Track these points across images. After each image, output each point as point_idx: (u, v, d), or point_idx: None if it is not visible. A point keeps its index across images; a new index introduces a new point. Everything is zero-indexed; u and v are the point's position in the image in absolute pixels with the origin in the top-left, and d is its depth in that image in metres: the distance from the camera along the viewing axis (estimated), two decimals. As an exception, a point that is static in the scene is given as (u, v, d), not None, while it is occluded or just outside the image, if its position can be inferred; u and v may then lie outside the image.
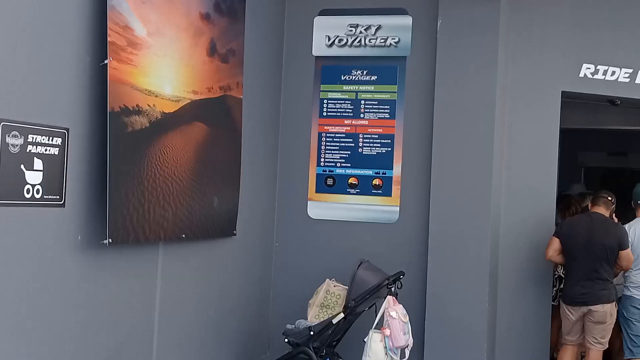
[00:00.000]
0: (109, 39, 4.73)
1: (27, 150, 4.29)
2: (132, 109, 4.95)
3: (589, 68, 7.07)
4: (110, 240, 4.75)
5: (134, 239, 5.02)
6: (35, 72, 4.36)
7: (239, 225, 6.42)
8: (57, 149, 4.50)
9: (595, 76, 7.09)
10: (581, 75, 7.07)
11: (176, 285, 5.74)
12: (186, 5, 5.65)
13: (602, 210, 6.73)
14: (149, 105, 5.14)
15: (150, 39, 5.19)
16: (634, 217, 7.03)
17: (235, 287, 6.62)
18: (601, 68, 7.09)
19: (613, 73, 7.12)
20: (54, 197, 4.50)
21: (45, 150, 4.41)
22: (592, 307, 6.54)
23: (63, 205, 4.57)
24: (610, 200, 6.79)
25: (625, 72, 7.14)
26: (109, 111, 4.74)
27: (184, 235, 5.61)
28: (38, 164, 4.37)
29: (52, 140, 4.46)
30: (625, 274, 6.86)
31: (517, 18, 6.96)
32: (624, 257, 6.59)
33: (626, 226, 6.90)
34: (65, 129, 4.56)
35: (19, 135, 4.21)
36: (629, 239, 6.72)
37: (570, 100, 7.25)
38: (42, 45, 4.40)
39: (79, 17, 4.68)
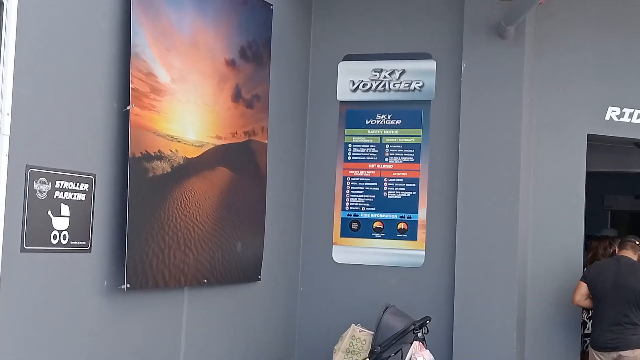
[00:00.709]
0: (131, 85, 4.79)
1: (55, 196, 4.32)
2: (153, 155, 4.99)
3: (615, 111, 7.04)
4: (127, 285, 4.76)
5: (153, 284, 5.03)
6: (63, 117, 4.42)
7: (264, 270, 6.41)
8: (84, 194, 4.54)
9: (621, 119, 7.06)
10: (607, 118, 7.05)
11: (201, 331, 5.73)
12: (211, 52, 5.71)
13: (630, 254, 6.66)
14: (171, 151, 5.18)
15: (174, 85, 5.24)
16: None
17: (261, 332, 6.58)
18: (627, 111, 7.06)
19: (639, 116, 7.08)
20: (81, 242, 4.53)
21: (72, 196, 4.45)
22: (623, 353, 6.43)
23: (89, 251, 4.59)
24: (638, 245, 6.73)
25: (651, 115, 7.11)
26: (129, 157, 4.78)
27: (205, 281, 5.61)
28: (65, 209, 4.40)
29: (79, 186, 4.49)
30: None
31: (541, 61, 6.95)
32: (653, 302, 6.50)
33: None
34: (92, 174, 4.60)
35: (46, 182, 4.26)
36: None
37: (596, 143, 7.20)
38: (69, 91, 4.46)
39: (108, 64, 4.75)
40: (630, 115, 7.07)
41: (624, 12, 7.16)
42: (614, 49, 7.12)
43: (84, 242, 4.55)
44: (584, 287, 6.60)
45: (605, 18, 7.12)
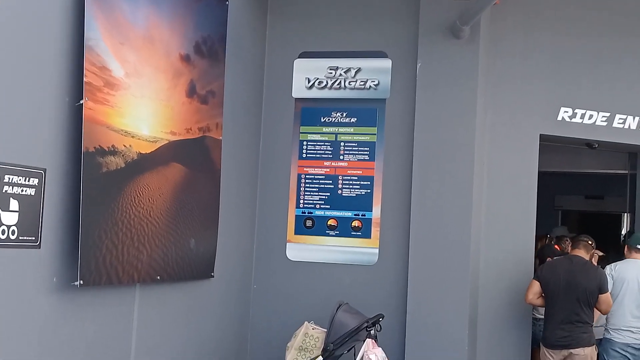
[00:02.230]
0: (85, 79, 4.72)
1: (3, 191, 4.23)
2: (107, 150, 4.92)
3: (567, 112, 7.14)
4: (81, 282, 4.69)
5: (106, 281, 4.96)
6: (12, 111, 4.33)
7: (217, 267, 6.37)
8: (34, 189, 4.45)
9: (573, 120, 7.17)
10: (559, 118, 7.15)
11: (153, 328, 5.67)
12: (166, 47, 5.66)
13: (582, 253, 6.75)
14: (125, 146, 5.11)
15: (128, 79, 5.18)
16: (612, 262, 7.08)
17: (213, 329, 6.55)
18: (579, 112, 7.17)
19: (591, 117, 7.20)
20: (30, 238, 4.44)
21: (22, 190, 4.36)
22: (574, 351, 6.52)
23: (39, 246, 4.51)
24: (591, 244, 6.85)
25: (603, 116, 7.22)
26: (83, 151, 4.71)
27: (159, 277, 5.55)
28: (14, 204, 4.31)
29: (28, 181, 4.41)
30: (606, 317, 6.87)
31: (496, 61, 7.02)
32: (603, 301, 6.59)
33: (611, 265, 6.97)
34: (42, 169, 4.52)
35: (-6, 176, 4.18)
36: (612, 277, 6.77)
37: (549, 144, 7.29)
38: (19, 85, 4.38)
39: (60, 58, 4.67)
40: (582, 116, 7.18)
41: (576, 14, 7.27)
42: (567, 50, 7.22)
43: (33, 238, 4.46)
44: (536, 286, 6.67)
45: (558, 20, 7.22)
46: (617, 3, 7.34)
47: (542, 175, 7.22)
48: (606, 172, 9.39)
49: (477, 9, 6.20)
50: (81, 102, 4.70)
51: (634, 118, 7.33)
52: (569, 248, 7.11)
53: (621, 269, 6.95)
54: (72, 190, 4.74)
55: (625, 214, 10.99)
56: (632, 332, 6.80)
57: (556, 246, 7.84)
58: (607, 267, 7.04)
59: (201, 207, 6.11)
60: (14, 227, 4.31)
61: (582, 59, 7.25)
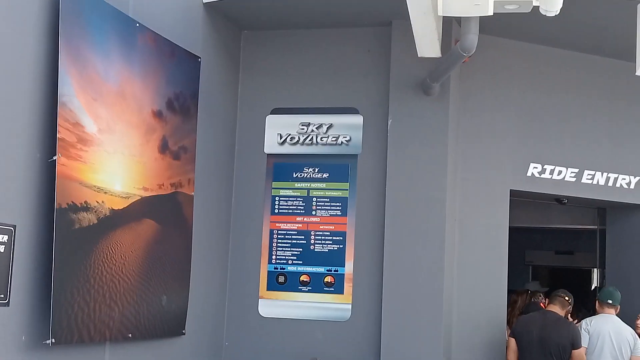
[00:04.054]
0: (58, 135, 4.71)
1: (-28, 248, 4.20)
2: (80, 206, 4.90)
3: (536, 167, 7.23)
4: (53, 340, 4.62)
5: (78, 340, 4.89)
6: (-18, 167, 4.31)
7: (189, 324, 6.30)
8: (3, 246, 4.41)
9: (542, 175, 7.25)
10: (529, 174, 7.23)
11: (123, 387, 5.58)
12: (139, 103, 5.67)
13: (557, 309, 6.79)
14: (97, 202, 5.09)
15: (101, 135, 5.18)
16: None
17: (184, 388, 6.45)
18: (548, 167, 7.25)
19: (560, 172, 7.29)
20: (-2, 295, 4.39)
21: (-9, 247, 4.32)
22: (548, 406, 6.51)
23: (7, 304, 4.45)
24: (567, 300, 6.89)
25: (572, 172, 7.31)
26: (56, 208, 4.68)
27: (130, 335, 5.48)
28: (-18, 261, 4.27)
29: (-3, 237, 4.37)
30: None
31: (466, 117, 7.10)
32: (576, 357, 6.60)
33: (586, 319, 7.01)
34: (12, 225, 4.48)
35: (-37, 232, 4.13)
36: (588, 332, 6.80)
37: (519, 199, 7.35)
38: (-10, 141, 4.36)
39: (31, 114, 4.67)
40: (551, 172, 7.27)
41: (544, 72, 7.40)
42: (535, 106, 7.33)
43: (2, 295, 4.41)
44: (512, 343, 6.71)
45: (526, 77, 7.34)
46: (584, 60, 7.48)
47: (512, 231, 7.27)
48: (576, 227, 9.47)
49: (446, 67, 6.28)
50: (54, 158, 4.69)
51: (602, 174, 7.44)
52: (545, 303, 7.14)
53: (596, 323, 6.98)
54: (43, 247, 4.69)
55: (596, 269, 11.06)
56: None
57: (542, 304, 7.86)
58: (583, 322, 7.09)
59: (173, 263, 6.07)
60: (-18, 285, 4.25)
61: (550, 115, 7.36)
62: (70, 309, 4.78)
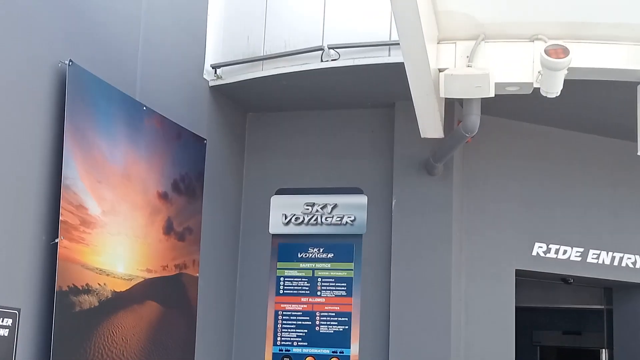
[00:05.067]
0: (61, 217, 4.73)
1: (-24, 332, 4.18)
2: (81, 288, 4.88)
3: (541, 247, 7.20)
4: None
5: None
6: (-13, 252, 4.32)
7: (192, 407, 6.22)
8: (7, 330, 4.39)
9: (548, 255, 7.21)
10: (534, 253, 7.19)
11: None
12: (144, 184, 5.71)
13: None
14: (99, 284, 5.08)
15: (105, 217, 5.20)
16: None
17: None
18: (553, 247, 7.22)
19: (565, 252, 7.25)
20: (0, 381, 4.35)
21: (-5, 332, 4.31)
22: None
23: (9, 389, 4.41)
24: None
25: (577, 251, 7.27)
26: (56, 290, 4.67)
27: (131, 422, 5.41)
28: (-14, 347, 4.25)
29: (2, 322, 4.35)
30: None
31: (469, 196, 7.11)
32: None
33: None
34: (17, 309, 4.46)
35: (-34, 317, 4.12)
36: None
37: (524, 279, 7.30)
38: (-5, 226, 4.38)
39: (36, 196, 4.70)
40: (557, 251, 7.23)
41: (547, 151, 7.43)
42: (539, 186, 7.34)
43: (4, 381, 4.37)
44: None
45: (529, 156, 7.37)
46: (586, 140, 7.52)
47: (519, 311, 7.20)
48: (583, 307, 9.39)
49: (449, 147, 6.33)
50: (56, 240, 4.70)
51: (607, 253, 7.39)
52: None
53: None
54: (45, 331, 4.67)
55: (604, 349, 10.91)
56: None
57: None
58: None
59: (176, 346, 6.01)
60: (-16, 371, 4.22)
61: (554, 195, 7.36)
62: (69, 395, 4.73)
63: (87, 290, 4.95)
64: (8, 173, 4.51)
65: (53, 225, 4.75)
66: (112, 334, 5.16)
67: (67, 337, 4.74)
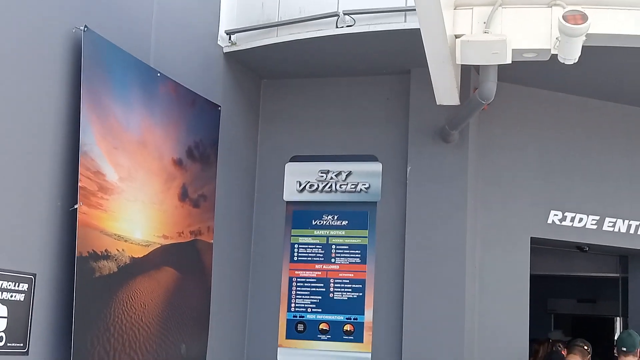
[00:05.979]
0: (79, 184, 4.75)
1: (-8, 296, 4.21)
2: (100, 254, 4.91)
3: (557, 215, 7.17)
4: (72, 390, 4.61)
5: (97, 389, 4.88)
6: (3, 217, 4.33)
7: (207, 372, 6.27)
8: (23, 295, 4.42)
9: (563, 223, 7.19)
10: (549, 221, 7.17)
11: None
12: (159, 151, 5.71)
13: (577, 358, 6.69)
14: (118, 250, 5.10)
15: (122, 183, 5.21)
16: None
17: None
18: (568, 215, 7.20)
19: (580, 220, 7.23)
20: (18, 344, 4.38)
21: (11, 296, 4.33)
22: None
23: (27, 353, 4.45)
24: (587, 350, 6.79)
25: (593, 219, 7.25)
26: (77, 256, 4.69)
27: (150, 384, 5.47)
28: (2, 310, 4.28)
29: (18, 287, 4.38)
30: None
31: (485, 164, 7.09)
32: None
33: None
34: (32, 274, 4.49)
35: (-18, 281, 4.15)
36: None
37: (540, 247, 7.29)
38: (12, 191, 4.39)
39: (52, 162, 4.71)
40: (572, 219, 7.21)
41: (564, 118, 7.38)
42: (555, 153, 7.30)
43: (22, 344, 4.41)
44: (534, 392, 6.61)
45: (545, 124, 7.33)
46: (603, 108, 7.47)
47: (534, 279, 7.20)
48: (598, 275, 9.38)
49: (465, 115, 6.30)
50: (75, 206, 4.72)
51: (623, 221, 7.36)
52: (566, 352, 7.03)
53: None
54: (63, 295, 4.70)
55: (618, 317, 10.92)
56: None
57: (563, 352, 7.74)
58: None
59: (192, 311, 6.06)
60: (1, 334, 4.26)
61: (570, 163, 7.32)
62: (90, 358, 4.77)
63: (107, 256, 4.98)
64: (25, 140, 4.51)
65: (69, 191, 4.77)
66: (131, 300, 5.20)
67: (88, 302, 4.78)
